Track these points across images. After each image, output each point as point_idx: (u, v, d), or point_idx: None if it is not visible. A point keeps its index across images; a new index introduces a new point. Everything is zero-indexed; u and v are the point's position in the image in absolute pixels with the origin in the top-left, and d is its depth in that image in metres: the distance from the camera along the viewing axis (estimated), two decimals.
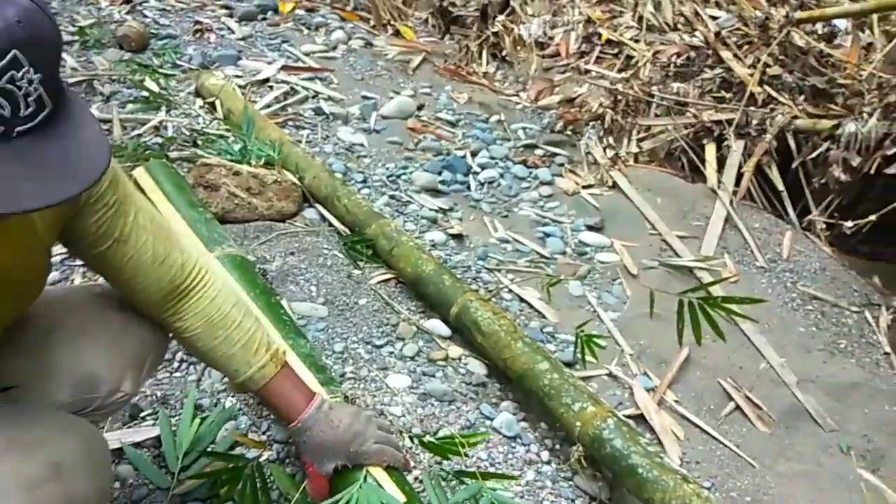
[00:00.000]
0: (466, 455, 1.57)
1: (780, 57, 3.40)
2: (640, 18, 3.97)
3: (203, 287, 1.18)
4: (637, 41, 3.85)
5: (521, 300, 2.39)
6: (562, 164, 3.30)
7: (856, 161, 2.83)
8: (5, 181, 0.66)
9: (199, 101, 3.12)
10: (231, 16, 4.25)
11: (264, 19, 4.29)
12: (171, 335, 1.24)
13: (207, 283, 1.19)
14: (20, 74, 0.67)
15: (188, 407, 1.59)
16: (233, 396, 1.70)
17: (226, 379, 1.72)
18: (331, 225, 2.46)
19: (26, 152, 0.69)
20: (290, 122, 3.14)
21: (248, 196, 2.32)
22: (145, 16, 4.01)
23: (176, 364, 1.79)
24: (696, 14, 3.91)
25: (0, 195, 0.66)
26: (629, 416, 1.98)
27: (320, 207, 2.52)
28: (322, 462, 1.27)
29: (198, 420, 1.57)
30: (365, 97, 3.53)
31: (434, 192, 2.90)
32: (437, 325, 2.09)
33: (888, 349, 2.42)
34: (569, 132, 3.53)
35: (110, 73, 3.24)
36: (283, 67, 3.59)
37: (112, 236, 1.04)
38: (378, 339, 1.97)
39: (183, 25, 3.97)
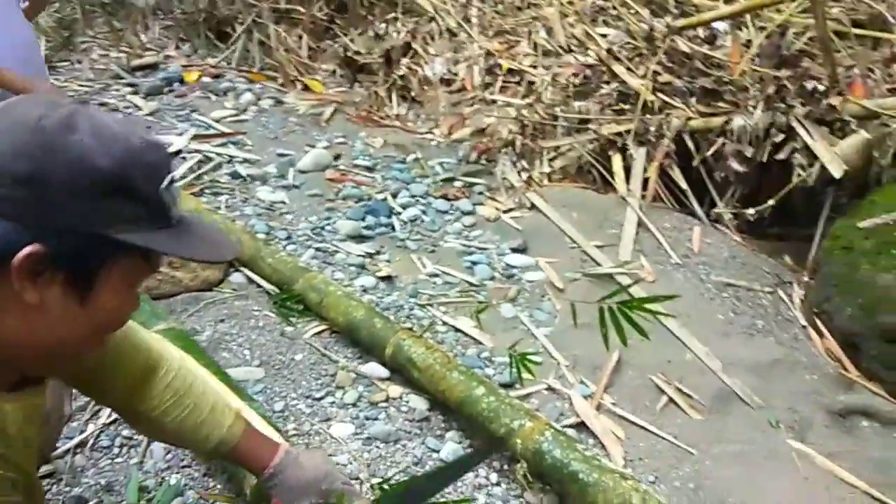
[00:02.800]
0: None
1: (669, 64, 3.60)
2: (536, 45, 4.16)
3: (167, 362, 1.23)
4: (535, 67, 4.03)
5: (457, 330, 2.45)
6: (481, 193, 3.41)
7: (749, 152, 3.01)
8: (198, 244, 0.89)
9: None
10: (136, 92, 4.26)
11: (171, 91, 4.31)
12: (138, 422, 1.26)
13: (168, 358, 1.23)
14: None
15: (132, 490, 1.59)
16: (177, 473, 1.70)
17: (169, 456, 1.73)
18: (259, 286, 2.49)
19: (188, 231, 0.88)
20: (206, 190, 3.16)
21: (171, 270, 2.34)
22: None
23: (116, 449, 1.78)
24: (587, 34, 4.11)
25: (208, 249, 0.91)
26: (571, 425, 2.05)
27: (246, 270, 2.55)
28: (294, 502, 1.31)
29: (143, 502, 1.58)
30: (281, 154, 3.58)
31: (359, 238, 2.96)
32: (374, 368, 2.13)
33: (804, 322, 2.57)
34: (484, 161, 3.65)
35: None
36: (195, 137, 3.62)
37: None
38: (318, 392, 2.00)
39: None
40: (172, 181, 0.86)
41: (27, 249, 0.75)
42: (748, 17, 3.83)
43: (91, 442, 1.78)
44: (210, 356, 2.00)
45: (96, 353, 1.02)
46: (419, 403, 2.02)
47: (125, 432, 1.81)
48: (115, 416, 1.83)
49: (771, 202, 2.87)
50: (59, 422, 1.30)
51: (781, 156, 2.95)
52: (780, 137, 2.96)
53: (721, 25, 3.88)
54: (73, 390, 1.29)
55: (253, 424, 1.35)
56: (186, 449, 1.29)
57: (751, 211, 2.91)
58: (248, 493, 1.48)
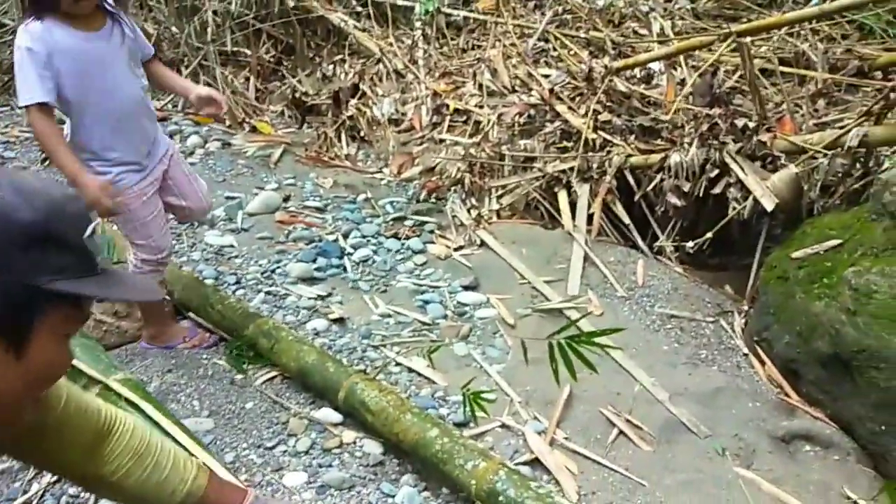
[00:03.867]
0: None
1: (608, 103, 3.74)
2: (481, 86, 4.26)
3: (120, 423, 1.21)
4: (481, 107, 4.13)
5: (410, 370, 2.46)
6: (432, 231, 3.44)
7: (686, 187, 3.13)
8: (126, 287, 0.96)
9: None
10: None
11: None
12: (98, 487, 1.23)
13: (121, 418, 1.21)
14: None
15: None
16: None
17: None
18: (208, 333, 2.46)
19: (113, 278, 0.93)
20: None
21: (116, 320, 2.30)
22: None
23: None
24: (530, 75, 4.24)
25: (137, 291, 0.99)
26: (526, 462, 2.07)
27: (194, 317, 2.52)
28: None
29: None
30: (229, 197, 3.56)
31: (311, 280, 2.95)
32: (327, 414, 2.12)
33: (745, 350, 2.66)
34: (434, 200, 3.70)
35: None
36: None
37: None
38: (269, 441, 1.98)
39: (30, 156, 3.87)
40: (94, 231, 0.90)
41: None
42: (682, 57, 4.02)
43: (35, 502, 1.72)
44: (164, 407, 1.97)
45: (36, 417, 1.00)
46: (373, 448, 2.02)
47: (71, 490, 1.75)
48: None
49: (709, 235, 2.98)
50: None
51: (717, 190, 3.08)
52: (715, 173, 3.09)
53: (657, 65, 4.05)
54: None
55: (216, 473, 1.34)
56: None
57: (690, 244, 3.01)
58: None
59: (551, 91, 3.89)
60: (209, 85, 4.93)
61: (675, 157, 3.15)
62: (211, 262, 2.97)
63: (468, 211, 3.53)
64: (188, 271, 2.74)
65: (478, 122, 4.07)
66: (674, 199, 3.12)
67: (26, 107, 1.96)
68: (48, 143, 1.99)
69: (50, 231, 0.83)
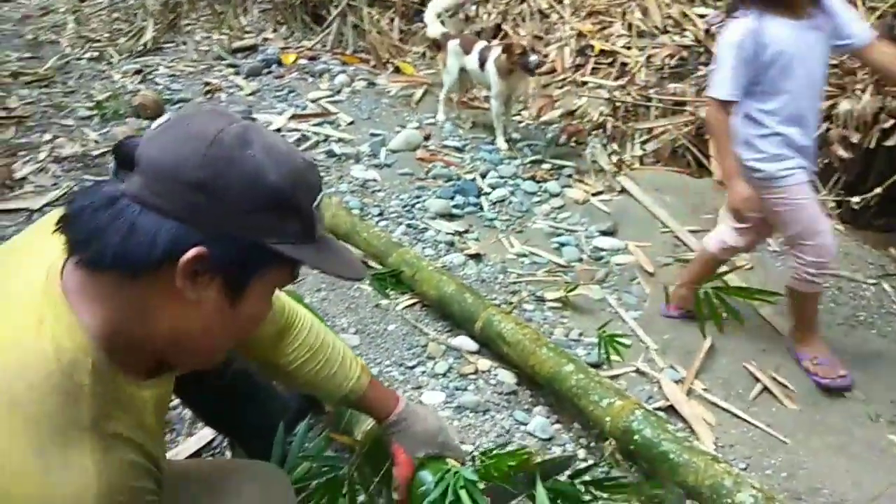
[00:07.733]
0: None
1: None
2: (630, 26, 4.08)
3: (299, 320, 1.32)
4: (629, 48, 3.96)
5: (544, 310, 2.47)
6: (570, 175, 3.40)
7: (855, 138, 2.88)
8: (339, 262, 0.96)
9: None
10: (238, 73, 4.45)
11: (269, 73, 4.48)
12: (276, 374, 1.36)
13: (301, 315, 1.33)
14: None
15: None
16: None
17: None
18: None
19: (329, 248, 0.95)
20: None
21: None
22: (157, 83, 4.21)
23: None
24: (684, 14, 4.00)
25: (347, 268, 0.96)
26: (660, 409, 2.04)
27: (342, 243, 2.64)
28: (415, 450, 1.38)
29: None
30: (373, 134, 3.67)
31: (449, 216, 3.01)
32: (464, 342, 2.18)
33: None
34: (573, 143, 3.63)
35: None
36: (293, 116, 3.75)
37: None
38: (410, 361, 2.07)
39: (194, 88, 4.16)
40: (321, 201, 0.93)
41: (194, 251, 0.80)
42: None
43: None
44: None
45: None
46: (507, 377, 2.06)
47: None
48: None
49: (877, 190, 2.74)
50: None
51: (890, 142, 2.81)
52: (890, 123, 2.82)
53: None
54: None
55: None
56: (318, 396, 1.39)
57: (856, 199, 2.79)
58: (361, 437, 1.56)
59: (707, 31, 3.67)
60: (355, 27, 5.06)
61: (844, 105, 2.90)
62: (356, 193, 3.10)
63: (609, 156, 3.44)
64: (336, 200, 2.87)
65: (624, 65, 3.92)
66: (840, 151, 2.89)
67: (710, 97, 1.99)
68: (719, 137, 2.01)
69: (290, 196, 0.85)
